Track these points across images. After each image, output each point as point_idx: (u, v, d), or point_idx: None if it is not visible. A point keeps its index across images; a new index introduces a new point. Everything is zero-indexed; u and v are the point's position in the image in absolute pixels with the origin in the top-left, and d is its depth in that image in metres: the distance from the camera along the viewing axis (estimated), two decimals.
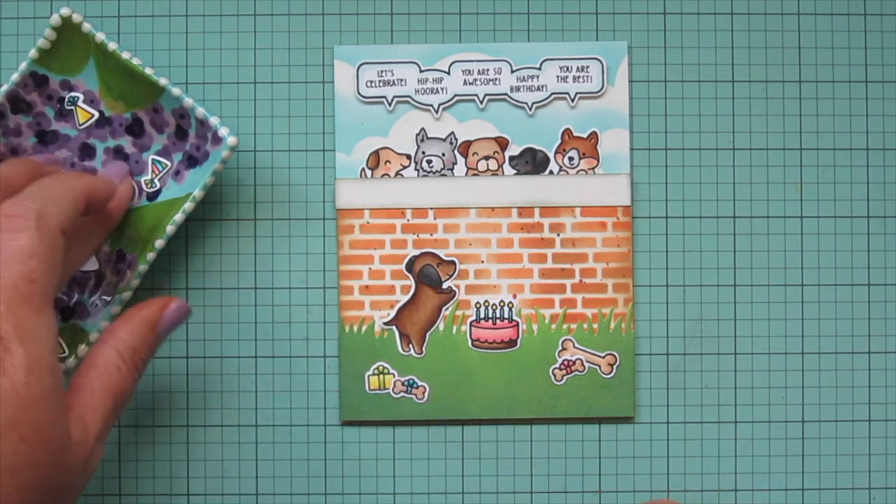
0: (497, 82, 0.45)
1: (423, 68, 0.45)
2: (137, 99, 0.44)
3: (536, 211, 0.45)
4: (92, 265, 0.44)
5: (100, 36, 0.42)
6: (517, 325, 0.45)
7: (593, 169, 0.45)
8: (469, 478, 0.45)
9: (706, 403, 0.45)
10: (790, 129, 0.46)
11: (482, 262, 0.45)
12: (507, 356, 0.45)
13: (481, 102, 0.45)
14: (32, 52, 0.43)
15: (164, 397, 0.45)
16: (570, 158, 0.45)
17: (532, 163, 0.45)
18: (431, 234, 0.45)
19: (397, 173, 0.45)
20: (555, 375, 0.45)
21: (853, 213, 0.46)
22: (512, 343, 0.45)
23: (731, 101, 0.46)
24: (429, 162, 0.45)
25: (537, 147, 0.45)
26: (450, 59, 0.45)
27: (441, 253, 0.45)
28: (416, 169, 0.45)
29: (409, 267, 0.45)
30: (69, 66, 0.43)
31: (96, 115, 0.44)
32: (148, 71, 0.42)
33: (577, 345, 0.45)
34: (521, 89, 0.45)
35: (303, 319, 0.45)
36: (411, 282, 0.45)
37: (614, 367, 0.45)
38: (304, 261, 0.45)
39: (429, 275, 0.45)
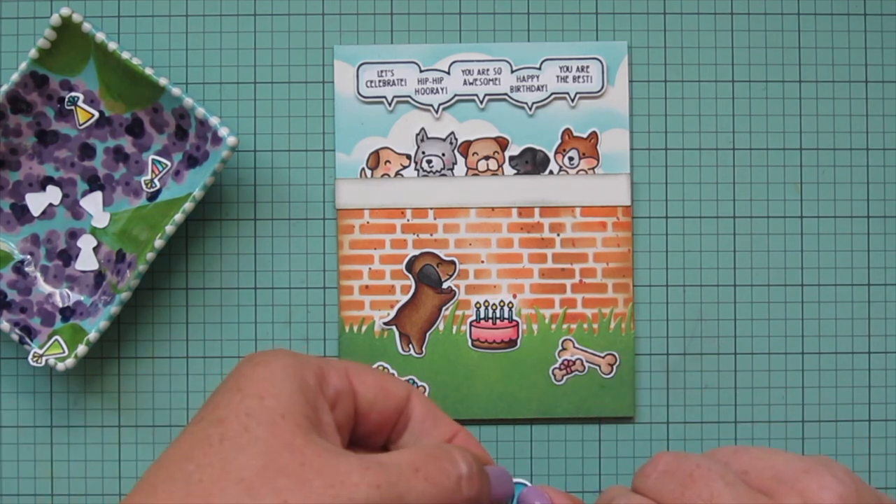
0: (497, 82, 0.45)
1: (423, 68, 0.45)
2: (137, 99, 0.44)
3: (536, 211, 0.45)
4: (92, 265, 0.45)
5: (100, 36, 0.42)
6: (517, 325, 0.45)
7: (593, 169, 0.45)
8: None
9: (706, 403, 0.45)
10: (790, 129, 0.46)
11: (482, 262, 0.45)
12: (507, 356, 0.45)
13: (481, 102, 0.45)
14: (32, 52, 0.43)
15: (164, 397, 0.45)
16: (570, 158, 0.45)
17: (532, 163, 0.45)
18: (431, 234, 0.45)
19: (397, 173, 0.45)
20: (555, 375, 0.45)
21: (853, 213, 0.46)
22: (512, 343, 0.45)
23: (731, 101, 0.46)
24: (429, 162, 0.45)
25: (537, 147, 0.45)
26: (450, 59, 0.45)
27: (441, 253, 0.45)
28: (416, 169, 0.45)
29: (409, 267, 0.45)
30: (69, 66, 0.43)
31: (96, 115, 0.44)
32: (148, 71, 0.42)
33: (577, 345, 0.45)
34: (521, 89, 0.45)
35: (303, 319, 0.45)
36: (411, 282, 0.45)
37: (614, 367, 0.45)
38: (304, 261, 0.45)
39: (429, 275, 0.45)
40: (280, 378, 0.30)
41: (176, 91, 0.42)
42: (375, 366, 0.45)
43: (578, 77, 0.45)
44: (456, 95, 0.45)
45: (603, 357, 0.45)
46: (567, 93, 0.45)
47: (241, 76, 0.46)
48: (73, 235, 0.45)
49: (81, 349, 0.42)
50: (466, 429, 0.34)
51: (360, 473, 0.28)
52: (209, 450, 0.28)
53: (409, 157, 0.45)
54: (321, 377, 0.31)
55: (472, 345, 0.45)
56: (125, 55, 0.42)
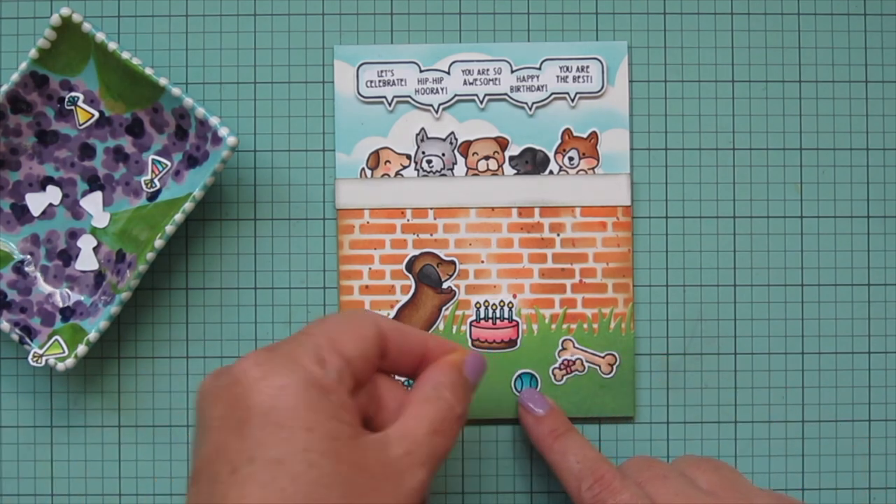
0: (497, 82, 0.45)
1: (423, 68, 0.45)
2: (137, 99, 0.44)
3: (536, 211, 0.45)
4: (92, 265, 0.45)
5: (100, 36, 0.42)
6: (517, 325, 0.45)
7: (593, 169, 0.45)
8: (469, 478, 0.45)
9: (706, 403, 0.45)
10: (790, 129, 0.46)
11: (482, 262, 0.45)
12: (507, 356, 0.45)
13: (481, 102, 0.45)
14: (32, 52, 0.43)
15: (164, 397, 0.45)
16: (570, 158, 0.45)
17: (532, 163, 0.45)
18: (431, 234, 0.45)
19: (397, 173, 0.45)
20: (555, 375, 0.45)
21: (853, 213, 0.46)
22: (512, 343, 0.45)
23: (731, 101, 0.46)
24: (429, 162, 0.45)
25: (537, 147, 0.45)
26: (450, 59, 0.45)
27: (441, 253, 0.45)
28: (416, 169, 0.45)
29: (409, 267, 0.45)
30: (69, 66, 0.43)
31: (96, 115, 0.44)
32: (148, 71, 0.42)
33: (577, 345, 0.45)
34: (521, 89, 0.45)
35: (303, 319, 0.45)
36: (411, 282, 0.45)
37: (614, 367, 0.45)
38: (304, 261, 0.45)
39: (429, 275, 0.45)
40: (314, 398, 0.32)
41: (176, 91, 0.42)
42: None
43: (578, 77, 0.45)
44: (456, 95, 0.45)
45: (603, 357, 0.45)
46: (567, 93, 0.45)
47: (241, 76, 0.46)
48: (73, 235, 0.45)
49: (81, 349, 0.42)
50: (429, 334, 0.39)
51: (408, 460, 0.33)
52: (284, 494, 0.30)
53: (409, 157, 0.45)
54: (381, 339, 0.35)
55: (473, 345, 0.45)
56: (125, 55, 0.42)
